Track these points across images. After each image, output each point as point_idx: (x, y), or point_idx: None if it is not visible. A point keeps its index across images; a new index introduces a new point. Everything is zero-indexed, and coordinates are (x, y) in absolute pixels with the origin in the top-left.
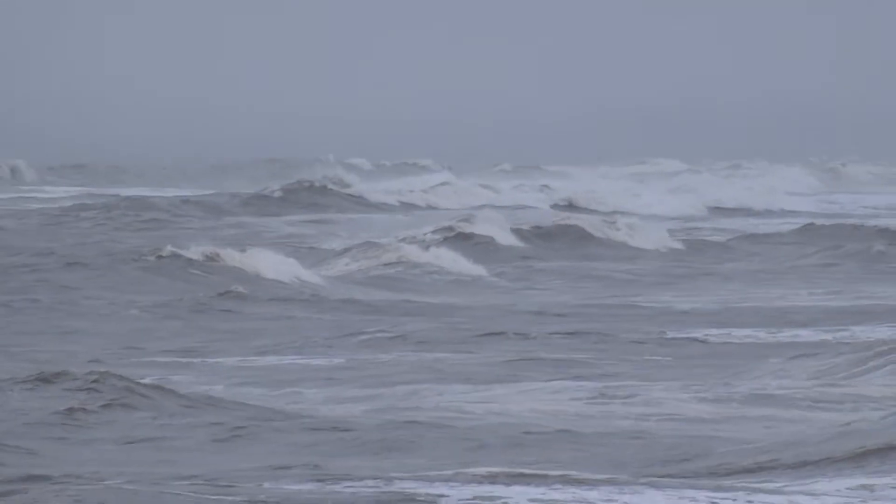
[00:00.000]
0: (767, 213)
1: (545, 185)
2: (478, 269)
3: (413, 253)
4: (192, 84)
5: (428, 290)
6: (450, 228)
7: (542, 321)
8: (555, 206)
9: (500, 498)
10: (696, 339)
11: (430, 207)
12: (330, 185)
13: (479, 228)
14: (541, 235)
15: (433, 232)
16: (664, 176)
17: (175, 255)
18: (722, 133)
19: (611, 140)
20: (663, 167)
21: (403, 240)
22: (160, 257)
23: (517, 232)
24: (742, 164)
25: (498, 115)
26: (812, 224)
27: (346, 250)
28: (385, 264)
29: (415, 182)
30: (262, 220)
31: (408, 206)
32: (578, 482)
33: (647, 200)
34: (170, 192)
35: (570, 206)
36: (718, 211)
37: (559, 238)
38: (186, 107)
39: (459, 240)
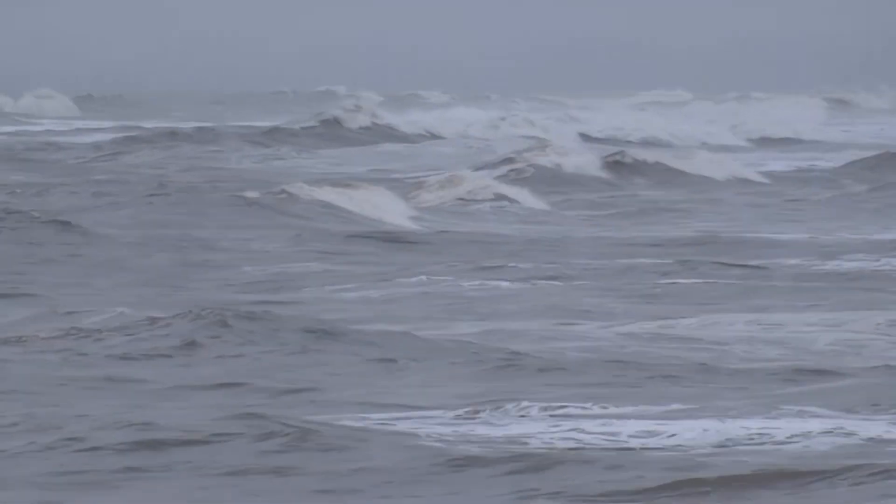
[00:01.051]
0: (818, 144)
1: (573, 117)
2: (563, 201)
3: (498, 185)
4: (190, 16)
5: (526, 223)
6: (526, 160)
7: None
8: (593, 140)
9: None
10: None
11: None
12: (374, 118)
13: (558, 160)
14: (621, 168)
15: (505, 163)
16: (676, 106)
17: (284, 194)
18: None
19: (585, 71)
20: (669, 98)
21: (483, 172)
22: (270, 194)
23: (602, 164)
24: (750, 94)
25: (463, 46)
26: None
27: (421, 184)
28: (470, 198)
29: (450, 114)
30: (310, 154)
31: (457, 139)
32: None
33: (689, 132)
34: (186, 124)
35: (611, 140)
36: (766, 141)
37: (640, 171)
38: (182, 38)
39: (541, 171)
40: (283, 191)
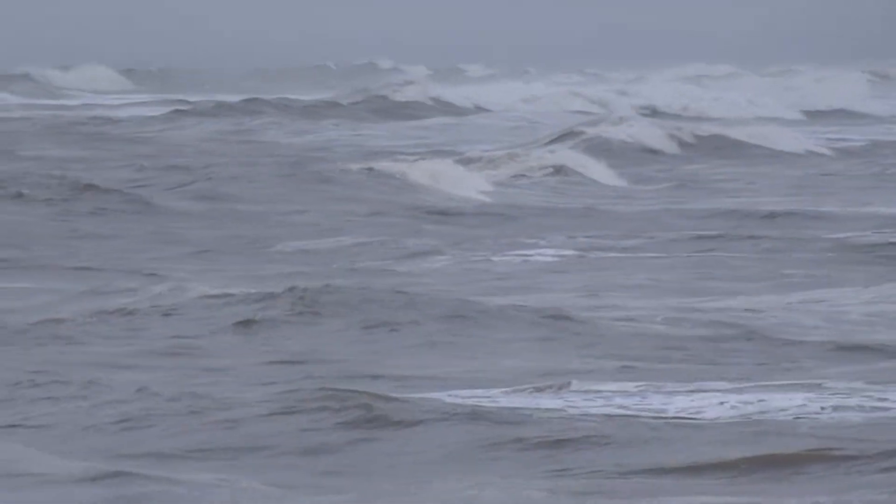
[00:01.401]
0: (872, 118)
1: (622, 91)
2: (633, 174)
3: (565, 158)
4: None
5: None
6: (590, 133)
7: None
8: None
9: None
10: None
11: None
12: (425, 92)
13: (623, 132)
14: (686, 140)
15: (570, 136)
16: (722, 79)
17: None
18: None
19: (622, 46)
20: (712, 72)
21: (551, 146)
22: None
23: (667, 136)
24: (791, 68)
25: (499, 21)
26: None
27: (489, 157)
28: (541, 171)
29: (500, 89)
30: (362, 127)
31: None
32: None
33: (742, 105)
34: (232, 97)
35: (656, 113)
36: (819, 115)
37: (703, 144)
38: (221, 12)
39: (607, 144)
40: (369, 167)
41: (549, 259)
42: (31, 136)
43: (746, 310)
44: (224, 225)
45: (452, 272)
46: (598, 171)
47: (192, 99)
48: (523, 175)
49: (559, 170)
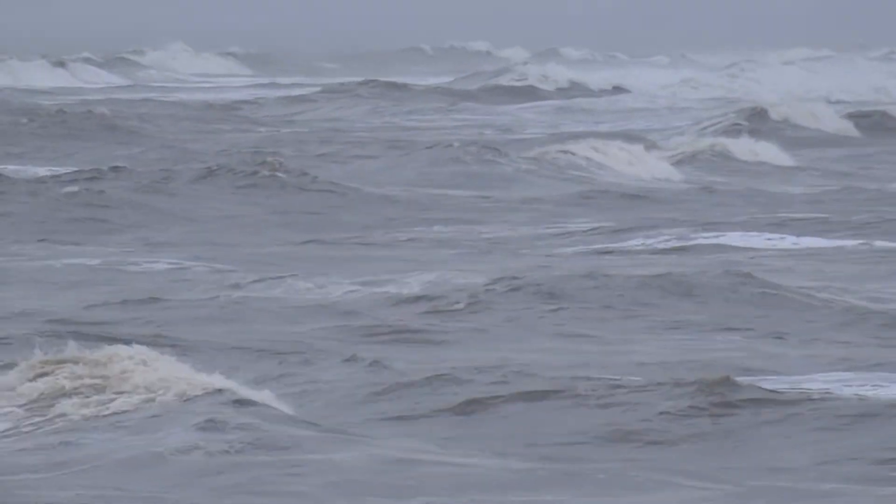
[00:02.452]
0: None
1: (753, 78)
2: (815, 157)
3: (742, 142)
4: None
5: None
6: (755, 115)
7: None
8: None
9: None
10: None
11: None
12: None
13: (792, 116)
14: (855, 122)
15: (740, 118)
16: (837, 62)
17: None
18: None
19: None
20: (817, 55)
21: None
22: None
23: (841, 119)
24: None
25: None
26: None
27: (666, 140)
28: (703, 155)
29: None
30: (511, 110)
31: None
32: None
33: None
34: (354, 78)
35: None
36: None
37: (879, 126)
38: None
39: (778, 127)
40: (565, 150)
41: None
42: (198, 121)
43: None
44: (452, 213)
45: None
46: (776, 153)
47: (321, 81)
48: (711, 155)
49: (738, 152)
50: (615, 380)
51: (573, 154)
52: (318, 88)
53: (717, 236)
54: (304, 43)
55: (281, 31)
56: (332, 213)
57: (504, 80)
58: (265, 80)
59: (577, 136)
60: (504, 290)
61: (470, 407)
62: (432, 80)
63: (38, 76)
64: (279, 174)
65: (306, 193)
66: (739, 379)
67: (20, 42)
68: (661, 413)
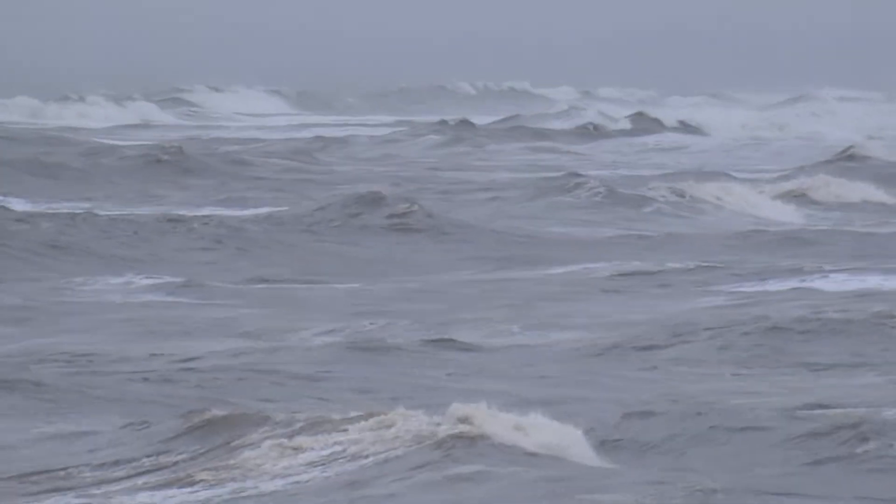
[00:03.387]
0: None
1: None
2: None
3: (838, 184)
4: (335, 14)
5: None
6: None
7: None
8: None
9: None
10: None
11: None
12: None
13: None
14: None
15: (844, 159)
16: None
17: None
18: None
19: (642, 63)
20: (865, 96)
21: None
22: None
23: None
24: (808, 93)
25: (517, 34)
26: None
27: (776, 181)
28: (815, 193)
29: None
30: (593, 148)
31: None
32: None
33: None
34: (427, 118)
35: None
36: None
37: None
38: (333, 34)
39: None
40: (680, 191)
41: None
42: (304, 159)
43: None
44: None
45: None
46: (874, 191)
47: (390, 118)
48: (833, 196)
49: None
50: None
51: (690, 193)
52: (403, 128)
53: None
54: (335, 81)
55: (307, 69)
56: (509, 251)
57: (571, 119)
58: (328, 119)
59: (682, 175)
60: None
61: None
62: (487, 119)
63: (96, 114)
64: (430, 217)
65: (462, 232)
66: None
67: (74, 79)
68: None
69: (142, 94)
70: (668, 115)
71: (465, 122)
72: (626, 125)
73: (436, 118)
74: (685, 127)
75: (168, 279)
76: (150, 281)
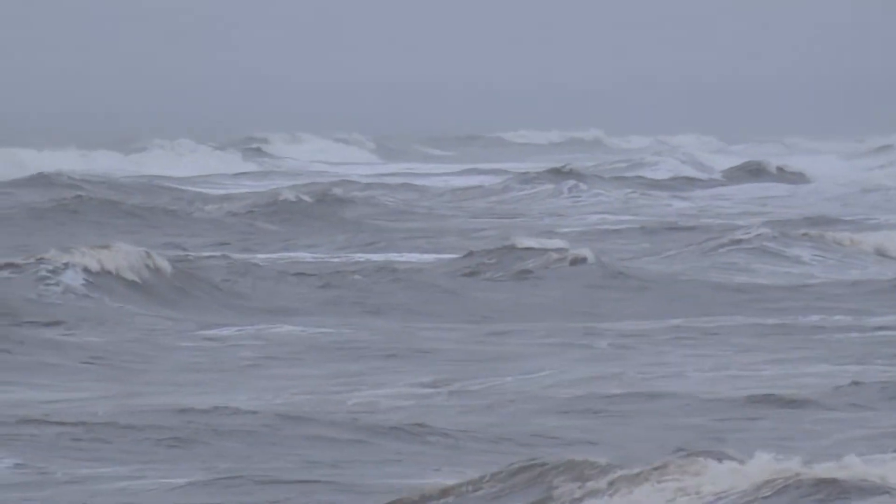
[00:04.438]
0: None
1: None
2: None
3: None
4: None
5: None
6: None
7: None
8: None
9: None
10: None
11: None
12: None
13: None
14: None
15: None
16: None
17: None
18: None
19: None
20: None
21: None
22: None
23: None
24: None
25: (538, 80)
26: None
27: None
28: None
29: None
30: (704, 195)
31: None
32: None
33: None
34: (500, 167)
35: None
36: None
37: None
38: (404, 86)
39: None
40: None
41: None
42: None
43: None
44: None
45: None
46: None
47: (482, 167)
48: None
49: None
50: None
51: (824, 238)
52: (509, 176)
53: None
54: (401, 127)
55: (366, 116)
56: (683, 300)
57: (662, 167)
58: (410, 166)
59: (814, 223)
60: None
61: None
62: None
63: (174, 163)
64: (588, 263)
65: (628, 280)
66: None
67: (150, 127)
68: None
69: (217, 143)
70: (774, 162)
71: (568, 171)
72: (722, 173)
73: (524, 166)
74: (784, 174)
75: None
76: None
